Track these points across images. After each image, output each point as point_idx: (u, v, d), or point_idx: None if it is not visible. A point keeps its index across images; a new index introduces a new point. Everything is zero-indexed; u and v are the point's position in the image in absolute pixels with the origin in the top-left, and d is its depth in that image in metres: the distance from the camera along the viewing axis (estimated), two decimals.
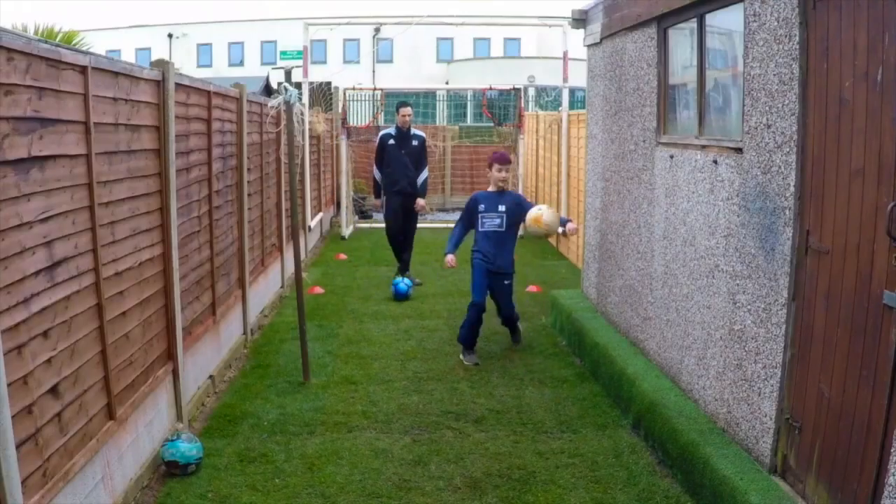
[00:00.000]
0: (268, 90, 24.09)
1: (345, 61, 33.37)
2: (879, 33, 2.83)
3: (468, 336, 6.32)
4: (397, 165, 8.90)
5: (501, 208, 6.36)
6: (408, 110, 9.07)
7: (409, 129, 9.00)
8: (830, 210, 3.20)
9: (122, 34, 37.02)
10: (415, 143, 9.01)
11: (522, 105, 13.70)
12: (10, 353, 2.74)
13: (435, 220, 14.31)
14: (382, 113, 15.76)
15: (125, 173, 3.88)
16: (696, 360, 4.56)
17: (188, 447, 4.18)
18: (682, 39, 5.07)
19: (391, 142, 8.96)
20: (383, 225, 14.51)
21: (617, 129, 6.13)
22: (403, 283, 8.53)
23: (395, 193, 9.00)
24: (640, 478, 4.21)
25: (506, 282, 6.48)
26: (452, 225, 6.93)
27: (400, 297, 8.41)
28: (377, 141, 9.20)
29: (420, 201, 9.14)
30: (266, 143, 7.69)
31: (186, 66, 33.03)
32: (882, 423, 2.78)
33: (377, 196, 9.46)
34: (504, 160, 6.44)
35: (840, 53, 3.11)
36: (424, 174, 9.18)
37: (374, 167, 9.23)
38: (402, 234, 9.17)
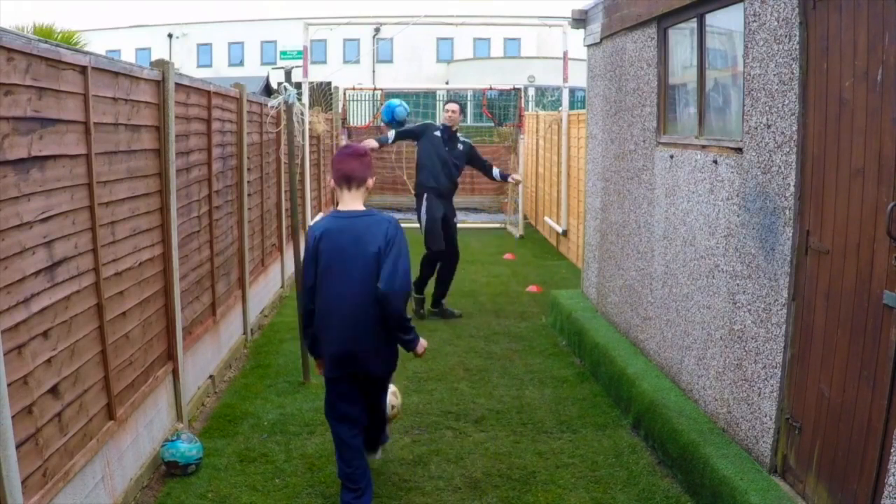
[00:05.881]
0: (268, 90, 24.11)
1: (345, 61, 33.35)
2: (879, 33, 2.83)
3: None
4: (440, 162, 7.46)
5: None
6: (454, 106, 7.65)
7: (456, 131, 7.66)
8: (830, 210, 3.20)
9: (122, 34, 37.01)
10: (461, 147, 7.63)
11: (522, 105, 13.70)
12: (11, 353, 2.74)
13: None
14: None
15: (125, 173, 3.88)
16: (696, 360, 4.56)
17: (188, 447, 4.18)
18: (682, 39, 5.07)
19: (437, 133, 7.54)
20: None
21: (617, 129, 6.13)
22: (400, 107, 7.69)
23: (436, 195, 7.50)
24: (640, 478, 4.21)
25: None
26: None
27: (396, 118, 7.64)
28: (417, 125, 7.76)
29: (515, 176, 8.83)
30: (266, 143, 7.69)
31: (186, 66, 33.06)
32: (882, 423, 2.77)
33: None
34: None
35: (840, 53, 3.11)
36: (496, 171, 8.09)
37: (385, 135, 7.76)
38: (446, 246, 7.54)
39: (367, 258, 3.47)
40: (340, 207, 3.64)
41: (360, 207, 3.61)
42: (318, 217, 12.22)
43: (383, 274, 3.45)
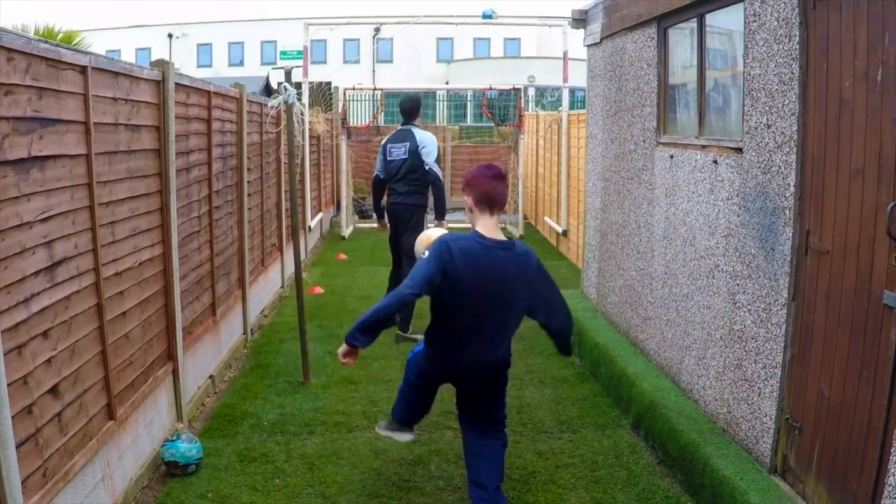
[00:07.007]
0: (268, 90, 24.08)
1: (345, 61, 33.35)
2: (879, 33, 2.83)
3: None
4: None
5: None
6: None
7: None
8: (830, 210, 3.20)
9: (122, 34, 37.00)
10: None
11: (522, 105, 13.70)
12: (11, 353, 2.74)
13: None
14: (382, 113, 15.76)
15: (125, 173, 3.88)
16: (696, 360, 4.56)
17: (188, 447, 4.17)
18: (682, 39, 5.07)
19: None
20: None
21: (617, 129, 6.13)
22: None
23: None
24: (640, 478, 4.21)
25: None
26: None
27: None
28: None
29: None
30: (266, 143, 7.68)
31: (186, 66, 33.05)
32: (882, 423, 2.77)
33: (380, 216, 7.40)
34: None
35: (840, 53, 3.11)
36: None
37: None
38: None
39: (515, 300, 3.45)
40: (482, 231, 3.40)
41: (500, 235, 3.43)
42: (318, 218, 12.23)
43: (550, 308, 3.55)
